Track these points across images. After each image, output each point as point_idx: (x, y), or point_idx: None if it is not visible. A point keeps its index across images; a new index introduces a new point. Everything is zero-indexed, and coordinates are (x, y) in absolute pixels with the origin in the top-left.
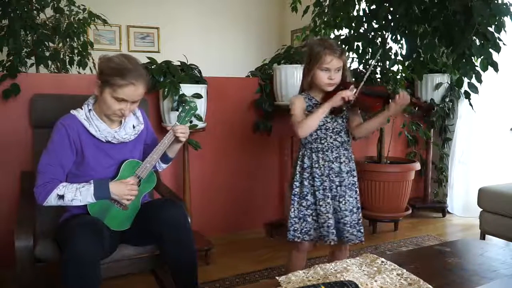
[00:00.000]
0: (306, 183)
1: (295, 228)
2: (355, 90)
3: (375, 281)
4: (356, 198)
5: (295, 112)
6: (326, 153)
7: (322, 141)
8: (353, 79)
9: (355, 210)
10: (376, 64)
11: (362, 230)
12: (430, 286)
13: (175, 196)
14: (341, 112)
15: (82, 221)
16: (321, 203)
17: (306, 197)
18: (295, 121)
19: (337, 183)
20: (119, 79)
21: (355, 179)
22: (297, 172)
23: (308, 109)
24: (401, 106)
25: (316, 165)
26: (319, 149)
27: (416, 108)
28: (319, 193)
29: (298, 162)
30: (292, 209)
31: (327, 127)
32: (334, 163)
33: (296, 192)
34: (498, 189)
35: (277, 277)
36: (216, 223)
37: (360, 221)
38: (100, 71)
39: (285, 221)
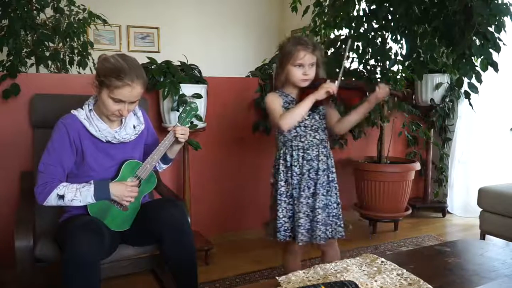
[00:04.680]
0: (290, 181)
1: (286, 228)
2: (336, 83)
3: (375, 281)
4: (333, 195)
5: (275, 106)
6: (307, 151)
7: (302, 139)
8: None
9: (328, 206)
10: (376, 64)
11: (338, 226)
12: (430, 286)
13: (175, 196)
14: (327, 103)
15: (82, 222)
16: (295, 202)
17: (293, 196)
18: (277, 115)
19: (315, 180)
20: (115, 80)
21: (334, 175)
22: (281, 171)
23: (285, 106)
24: (381, 97)
25: (295, 163)
26: (300, 147)
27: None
28: (295, 191)
29: (281, 161)
30: (280, 209)
31: (306, 125)
32: (315, 161)
33: (282, 192)
34: (498, 189)
35: (277, 277)
36: (216, 223)
37: (334, 218)
38: (97, 71)
39: None
